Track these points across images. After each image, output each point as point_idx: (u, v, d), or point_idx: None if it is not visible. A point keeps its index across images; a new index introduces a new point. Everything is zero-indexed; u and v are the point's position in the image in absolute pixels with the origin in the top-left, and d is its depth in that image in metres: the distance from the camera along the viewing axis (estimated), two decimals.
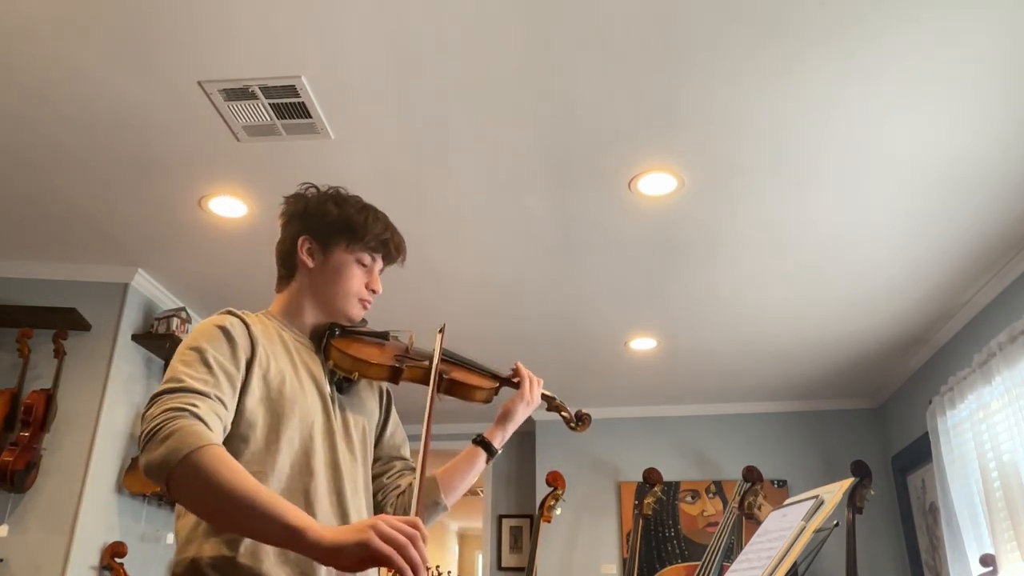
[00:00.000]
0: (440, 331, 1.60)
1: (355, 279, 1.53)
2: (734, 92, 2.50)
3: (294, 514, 1.10)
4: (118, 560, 3.39)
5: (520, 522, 5.74)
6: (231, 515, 1.12)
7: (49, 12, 2.21)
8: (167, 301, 3.92)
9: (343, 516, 1.39)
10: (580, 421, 1.75)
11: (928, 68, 2.38)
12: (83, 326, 3.54)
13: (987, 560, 3.35)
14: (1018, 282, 3.47)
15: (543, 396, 1.70)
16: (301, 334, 1.53)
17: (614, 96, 2.53)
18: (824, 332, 4.29)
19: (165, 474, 1.14)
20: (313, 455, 1.38)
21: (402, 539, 1.06)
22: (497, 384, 1.63)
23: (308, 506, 1.34)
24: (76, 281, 3.66)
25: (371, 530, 1.05)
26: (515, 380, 1.66)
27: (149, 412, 1.21)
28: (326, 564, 1.09)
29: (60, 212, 3.22)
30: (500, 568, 5.68)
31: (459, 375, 1.57)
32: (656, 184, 2.97)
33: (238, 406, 1.34)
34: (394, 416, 1.66)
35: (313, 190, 1.58)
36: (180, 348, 1.35)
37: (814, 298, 3.89)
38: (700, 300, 3.94)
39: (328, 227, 1.53)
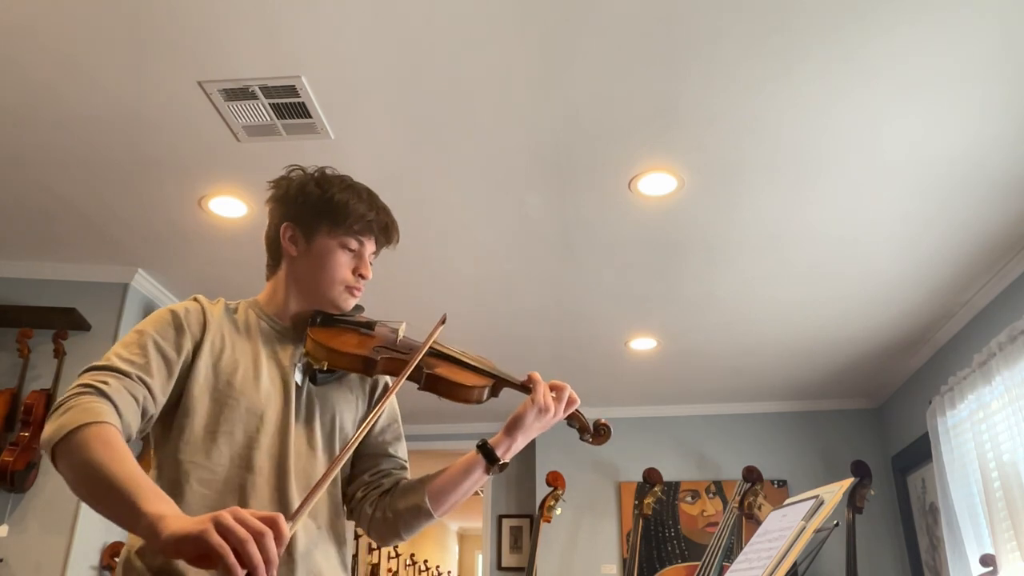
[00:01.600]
0: (441, 321, 1.48)
1: (340, 266, 1.45)
2: (734, 92, 2.50)
3: (149, 500, 1.02)
4: (118, 560, 3.38)
5: (520, 522, 5.74)
6: (95, 494, 1.08)
7: (49, 12, 2.21)
8: (167, 301, 3.92)
9: (285, 513, 1.31)
10: (597, 433, 1.52)
11: (928, 68, 2.38)
12: (83, 326, 3.54)
13: (987, 560, 3.35)
14: (1018, 282, 3.47)
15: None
16: (280, 322, 1.47)
17: (614, 96, 2.53)
18: (824, 332, 4.29)
19: (51, 448, 1.12)
20: (256, 449, 1.32)
21: (242, 533, 0.94)
22: (491, 382, 1.44)
23: (243, 501, 1.28)
24: (76, 281, 3.66)
25: (210, 521, 0.95)
26: (529, 386, 1.44)
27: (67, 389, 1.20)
28: (167, 556, 1.02)
29: (60, 212, 3.22)
30: (500, 568, 5.67)
31: (445, 370, 1.42)
32: (656, 184, 2.97)
33: (182, 393, 1.32)
34: (388, 412, 1.56)
35: (298, 172, 1.49)
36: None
37: (814, 298, 3.89)
38: (700, 300, 3.94)
39: (309, 211, 1.45)
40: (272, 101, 2.54)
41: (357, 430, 1.44)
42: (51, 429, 1.13)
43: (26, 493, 3.28)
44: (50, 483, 3.31)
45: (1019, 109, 2.54)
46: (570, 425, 1.51)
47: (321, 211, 1.44)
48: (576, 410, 1.49)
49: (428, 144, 2.78)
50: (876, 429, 5.36)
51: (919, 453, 4.56)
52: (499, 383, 1.46)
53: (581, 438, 1.52)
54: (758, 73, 2.42)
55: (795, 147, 2.76)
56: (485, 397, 1.44)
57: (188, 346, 1.34)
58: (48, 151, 2.84)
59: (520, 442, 1.43)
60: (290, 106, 2.57)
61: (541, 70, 2.43)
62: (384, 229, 1.50)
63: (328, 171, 1.50)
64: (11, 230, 3.38)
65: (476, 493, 1.62)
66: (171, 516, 1.00)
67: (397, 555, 9.00)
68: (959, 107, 2.54)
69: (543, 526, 5.07)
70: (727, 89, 2.49)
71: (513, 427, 1.42)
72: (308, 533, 1.34)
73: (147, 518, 1.00)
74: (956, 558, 3.85)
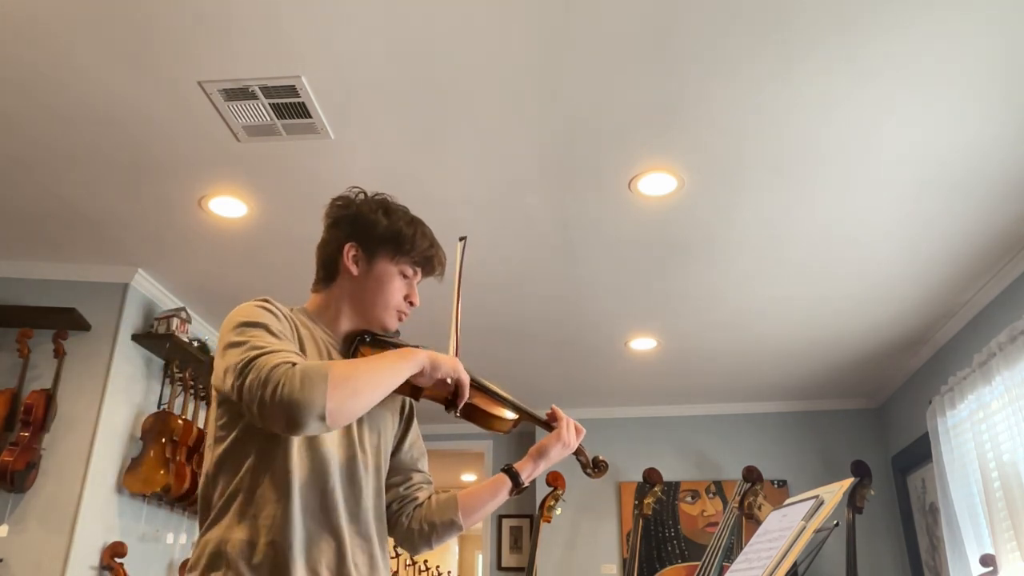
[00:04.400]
0: (461, 240, 1.66)
1: (396, 291, 1.54)
2: (734, 92, 2.50)
3: (405, 356, 1.37)
4: (118, 560, 3.39)
5: (520, 522, 5.74)
6: (379, 387, 1.31)
7: (49, 12, 2.21)
8: (167, 301, 3.92)
9: (356, 520, 1.40)
10: (596, 468, 1.71)
11: (928, 68, 2.38)
12: (83, 326, 3.54)
13: (987, 560, 3.35)
14: (1018, 282, 3.47)
15: None
16: (334, 336, 1.53)
17: (614, 96, 2.53)
18: (824, 332, 4.29)
19: (321, 408, 1.20)
20: (330, 461, 1.38)
21: (465, 388, 1.43)
22: (518, 418, 1.58)
23: (325, 511, 1.35)
24: (76, 281, 3.66)
25: (460, 366, 1.42)
26: (552, 423, 1.65)
27: (252, 378, 1.22)
28: (426, 370, 1.37)
29: (60, 212, 3.22)
30: (500, 568, 5.68)
31: (480, 402, 1.54)
32: (656, 184, 2.97)
33: None
34: (414, 429, 1.65)
35: (363, 196, 1.58)
36: (231, 330, 1.33)
37: (814, 298, 3.89)
38: (700, 300, 3.94)
39: (376, 237, 1.53)
40: (272, 101, 2.54)
41: (392, 447, 1.59)
42: (307, 397, 1.19)
43: (26, 493, 3.28)
44: (50, 483, 3.31)
45: (1019, 109, 2.54)
46: (577, 459, 1.71)
47: (386, 238, 1.54)
48: (581, 446, 1.69)
49: (428, 144, 2.78)
50: (876, 429, 5.36)
51: (919, 453, 4.56)
52: (524, 417, 1.60)
53: (584, 471, 1.73)
54: (758, 73, 2.42)
55: (795, 147, 2.76)
56: (511, 429, 1.59)
57: (291, 336, 1.39)
58: (48, 151, 2.84)
59: (541, 469, 1.63)
60: (290, 106, 2.57)
61: (541, 70, 2.43)
62: (440, 264, 1.63)
63: (389, 199, 1.60)
64: (11, 230, 3.38)
65: None
66: (423, 352, 1.39)
67: (397, 555, 8.99)
68: (959, 107, 2.54)
69: (543, 526, 5.07)
70: (727, 89, 2.49)
71: (538, 456, 1.62)
72: (372, 545, 1.42)
73: (419, 358, 1.37)
74: (956, 558, 3.85)
